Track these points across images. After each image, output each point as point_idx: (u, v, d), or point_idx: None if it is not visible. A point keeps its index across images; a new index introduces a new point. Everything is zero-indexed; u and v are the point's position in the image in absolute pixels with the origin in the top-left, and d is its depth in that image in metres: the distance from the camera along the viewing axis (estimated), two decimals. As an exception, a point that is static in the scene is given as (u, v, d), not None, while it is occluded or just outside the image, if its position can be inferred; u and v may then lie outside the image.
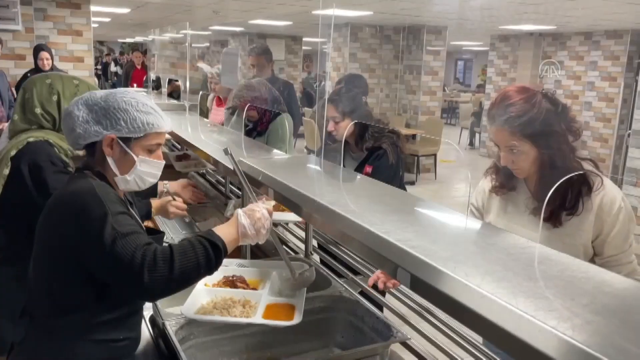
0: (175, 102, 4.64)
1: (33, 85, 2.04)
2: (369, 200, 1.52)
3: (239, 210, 1.42)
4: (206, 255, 1.28)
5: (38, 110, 2.00)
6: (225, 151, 1.60)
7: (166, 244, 1.31)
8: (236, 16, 8.73)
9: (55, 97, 2.02)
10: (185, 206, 2.23)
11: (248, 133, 3.43)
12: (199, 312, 1.53)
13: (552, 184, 1.32)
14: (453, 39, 11.65)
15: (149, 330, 1.71)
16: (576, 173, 1.50)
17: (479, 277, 0.91)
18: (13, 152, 1.91)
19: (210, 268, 1.30)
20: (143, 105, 1.42)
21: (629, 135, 5.11)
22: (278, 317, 1.53)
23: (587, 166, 1.58)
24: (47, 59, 5.56)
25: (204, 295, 1.60)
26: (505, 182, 1.70)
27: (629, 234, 1.56)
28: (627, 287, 0.93)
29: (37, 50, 5.66)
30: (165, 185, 2.39)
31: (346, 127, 2.45)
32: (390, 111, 9.52)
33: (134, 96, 1.43)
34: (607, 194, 1.54)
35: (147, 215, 2.07)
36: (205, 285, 1.65)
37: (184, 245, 1.28)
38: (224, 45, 12.76)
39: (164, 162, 1.51)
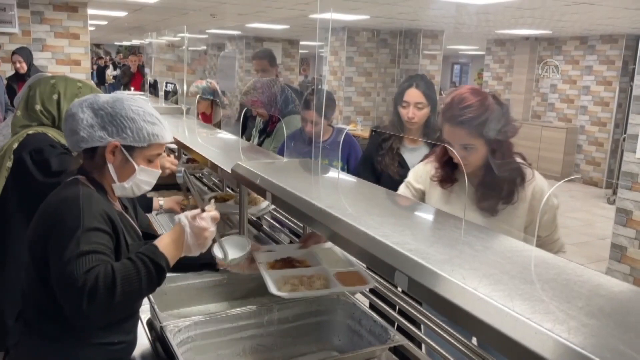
0: (172, 105, 4.64)
1: (38, 84, 2.11)
2: (366, 203, 1.53)
3: (187, 227, 1.36)
4: (149, 278, 1.25)
5: (38, 107, 2.06)
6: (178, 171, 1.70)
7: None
8: (233, 19, 8.74)
9: (55, 97, 2.08)
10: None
11: (259, 134, 3.44)
12: (290, 291, 1.59)
13: (497, 177, 1.65)
14: (449, 43, 11.68)
15: (146, 333, 1.71)
16: (521, 165, 1.74)
17: (476, 280, 0.92)
18: (15, 145, 1.96)
19: (152, 289, 1.29)
20: (150, 115, 1.43)
21: (624, 139, 5.14)
22: (353, 283, 1.63)
23: (520, 160, 1.78)
24: (19, 62, 5.48)
25: (275, 276, 1.66)
26: (449, 175, 1.86)
27: (555, 216, 1.81)
28: (622, 290, 0.94)
29: (12, 54, 5.65)
30: (160, 202, 2.41)
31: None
32: (387, 115, 9.54)
33: (141, 105, 1.43)
34: (538, 184, 1.75)
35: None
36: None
37: (127, 269, 1.23)
38: (221, 48, 12.76)
39: (160, 172, 1.51)
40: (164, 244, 1.33)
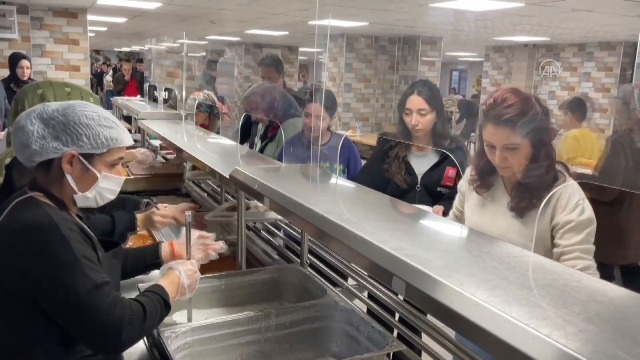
0: (171, 111, 4.65)
1: (25, 96, 2.01)
2: (364, 208, 1.53)
3: (182, 272, 1.50)
4: (162, 315, 1.35)
5: None
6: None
7: (135, 300, 1.30)
8: (233, 26, 8.78)
9: None
10: (171, 214, 2.14)
11: (260, 140, 3.44)
12: None
13: (534, 181, 1.63)
14: (448, 49, 11.73)
15: (143, 339, 1.71)
16: (559, 171, 1.70)
17: (474, 286, 0.92)
18: (7, 160, 1.92)
19: (159, 325, 1.38)
20: (105, 119, 1.35)
21: (622, 145, 5.13)
22: None
23: (560, 168, 1.75)
24: (27, 68, 5.31)
25: None
26: (485, 179, 1.84)
27: (586, 234, 1.66)
28: (619, 295, 0.94)
29: (17, 58, 5.37)
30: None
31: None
32: (386, 121, 9.56)
33: (95, 110, 1.36)
34: (568, 189, 1.69)
35: (131, 228, 2.00)
36: None
37: (150, 305, 1.31)
38: (220, 54, 12.80)
39: (124, 178, 1.45)
40: (165, 285, 1.43)
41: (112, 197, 1.43)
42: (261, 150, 3.40)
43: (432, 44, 9.05)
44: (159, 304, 1.33)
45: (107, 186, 1.39)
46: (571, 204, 1.66)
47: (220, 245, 1.81)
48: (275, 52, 11.32)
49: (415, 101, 2.39)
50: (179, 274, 1.49)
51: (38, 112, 1.32)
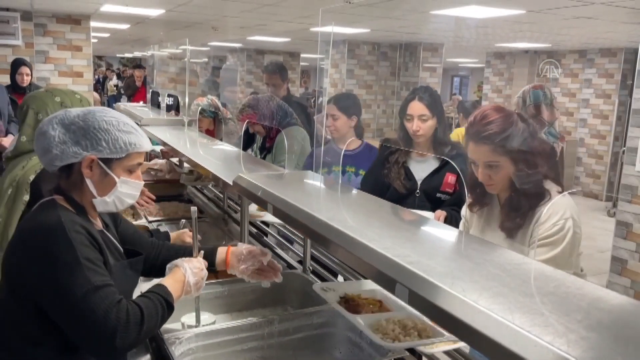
0: (174, 117, 4.67)
1: (45, 105, 2.02)
2: (367, 216, 1.54)
3: (188, 270, 1.46)
4: (163, 317, 1.31)
5: None
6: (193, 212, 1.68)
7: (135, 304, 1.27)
8: (235, 32, 8.81)
9: None
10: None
11: (259, 151, 3.45)
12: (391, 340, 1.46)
13: (520, 198, 1.58)
14: (449, 55, 11.75)
15: (147, 344, 1.71)
16: (544, 186, 1.65)
17: (476, 293, 0.93)
18: (32, 177, 1.88)
19: (160, 326, 1.35)
20: (124, 124, 1.38)
21: (623, 152, 5.16)
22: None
23: (551, 182, 1.70)
24: (27, 75, 5.21)
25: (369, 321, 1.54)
26: (479, 198, 1.82)
27: (560, 250, 1.62)
28: (621, 303, 0.95)
29: (18, 64, 5.27)
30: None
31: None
32: (387, 127, 9.58)
33: (114, 115, 1.39)
34: (551, 207, 1.64)
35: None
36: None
37: (150, 307, 1.27)
38: (223, 60, 12.85)
39: (142, 183, 1.46)
40: (169, 284, 1.39)
41: (131, 201, 1.45)
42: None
43: (433, 50, 9.08)
44: (160, 305, 1.30)
45: (126, 191, 1.41)
46: (550, 222, 1.63)
47: (280, 278, 1.74)
48: (277, 58, 11.38)
49: (417, 107, 2.41)
50: (184, 272, 1.44)
51: (60, 118, 1.36)
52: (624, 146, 5.09)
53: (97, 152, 1.34)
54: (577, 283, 1.01)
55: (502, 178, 1.68)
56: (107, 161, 1.36)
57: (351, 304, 1.62)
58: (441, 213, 2.23)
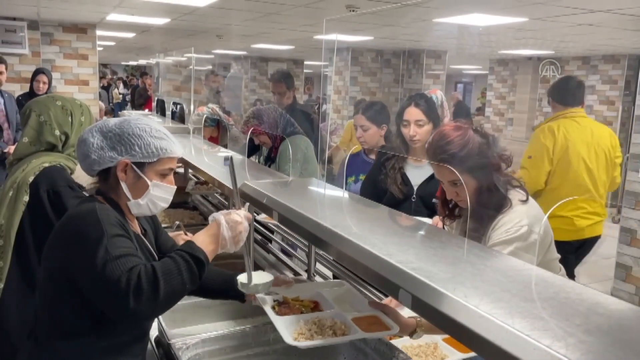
0: (179, 125, 4.71)
1: (47, 108, 2.08)
2: (370, 223, 1.56)
3: (222, 220, 1.39)
4: (190, 271, 1.28)
5: (57, 133, 2.06)
6: (226, 159, 1.63)
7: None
8: (239, 40, 8.88)
9: (69, 118, 2.08)
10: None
11: (264, 161, 3.48)
12: (304, 339, 1.48)
13: (483, 211, 1.58)
14: (452, 62, 11.80)
15: (154, 350, 1.74)
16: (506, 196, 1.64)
17: (478, 298, 0.95)
18: (31, 178, 1.93)
19: (195, 282, 1.30)
20: (156, 131, 1.46)
21: (627, 158, 5.15)
22: (374, 329, 1.53)
23: (518, 190, 1.69)
24: (44, 83, 5.33)
25: (288, 323, 1.55)
26: (451, 212, 1.83)
27: (514, 247, 1.61)
28: (619, 308, 0.97)
29: (37, 72, 5.47)
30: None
31: None
32: (390, 134, 9.59)
33: (147, 122, 1.48)
34: (507, 216, 1.64)
35: None
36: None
37: (167, 264, 1.27)
38: (227, 68, 12.92)
39: (175, 187, 1.52)
40: (200, 239, 1.37)
41: (164, 205, 1.51)
42: None
43: (436, 57, 9.11)
44: (184, 260, 1.28)
45: (159, 194, 1.48)
46: (502, 229, 1.63)
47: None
48: (281, 66, 11.44)
49: (413, 113, 2.45)
50: (219, 225, 1.39)
51: (99, 127, 1.46)
52: (628, 152, 5.09)
53: (131, 156, 1.42)
54: (576, 289, 1.03)
55: (468, 193, 1.68)
56: (140, 165, 1.44)
57: (282, 306, 1.65)
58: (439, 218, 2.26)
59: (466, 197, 1.66)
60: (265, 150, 3.50)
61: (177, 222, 2.41)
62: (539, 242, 1.63)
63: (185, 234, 2.19)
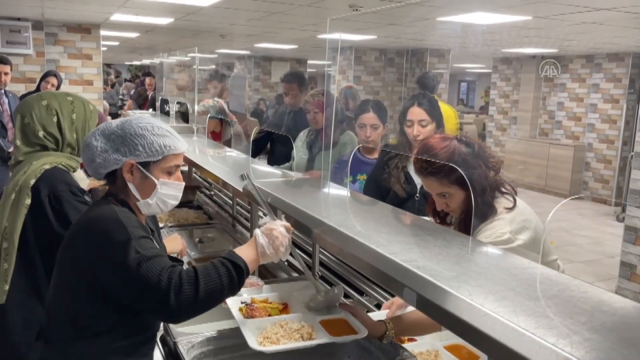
0: (183, 124, 4.72)
1: (31, 108, 1.99)
2: (375, 222, 1.57)
3: (257, 230, 1.46)
4: (229, 277, 1.31)
5: (41, 134, 1.97)
6: (242, 177, 1.66)
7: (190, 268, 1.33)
8: (243, 40, 8.89)
9: (55, 118, 1.99)
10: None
11: (311, 143, 3.31)
12: (270, 344, 1.50)
13: (468, 221, 1.54)
14: (456, 61, 11.77)
15: (159, 349, 1.74)
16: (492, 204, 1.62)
17: (482, 297, 0.96)
18: (32, 182, 1.88)
19: (234, 289, 1.33)
20: (159, 128, 1.45)
21: (632, 157, 5.14)
22: (341, 333, 1.54)
23: (503, 200, 1.67)
24: (52, 85, 5.27)
25: (254, 327, 1.57)
26: (442, 221, 1.81)
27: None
28: (624, 306, 0.97)
29: (47, 74, 5.43)
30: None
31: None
32: (394, 132, 9.59)
33: (149, 121, 1.46)
34: (490, 224, 1.62)
35: None
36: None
37: (207, 268, 1.31)
38: (230, 68, 12.94)
39: (184, 184, 1.52)
40: (241, 249, 1.41)
41: (174, 202, 1.51)
42: (312, 160, 3.25)
43: (440, 56, 9.10)
44: (223, 266, 1.31)
45: (167, 192, 1.47)
46: (482, 236, 1.62)
47: None
48: (285, 65, 11.45)
49: (416, 112, 2.45)
50: (255, 235, 1.44)
51: (102, 130, 1.45)
52: (632, 151, 5.08)
53: (135, 156, 1.42)
54: (581, 287, 1.03)
55: (458, 203, 1.68)
56: (146, 164, 1.43)
57: (248, 308, 1.66)
58: None
59: (457, 206, 1.68)
60: (308, 136, 3.34)
61: (172, 228, 2.37)
62: (529, 246, 1.61)
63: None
